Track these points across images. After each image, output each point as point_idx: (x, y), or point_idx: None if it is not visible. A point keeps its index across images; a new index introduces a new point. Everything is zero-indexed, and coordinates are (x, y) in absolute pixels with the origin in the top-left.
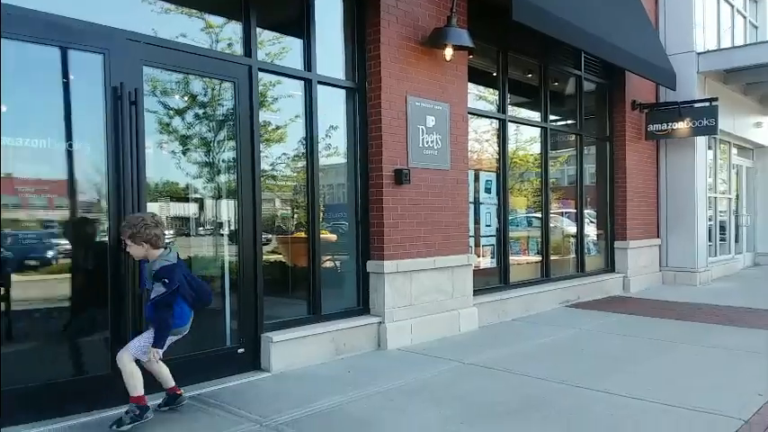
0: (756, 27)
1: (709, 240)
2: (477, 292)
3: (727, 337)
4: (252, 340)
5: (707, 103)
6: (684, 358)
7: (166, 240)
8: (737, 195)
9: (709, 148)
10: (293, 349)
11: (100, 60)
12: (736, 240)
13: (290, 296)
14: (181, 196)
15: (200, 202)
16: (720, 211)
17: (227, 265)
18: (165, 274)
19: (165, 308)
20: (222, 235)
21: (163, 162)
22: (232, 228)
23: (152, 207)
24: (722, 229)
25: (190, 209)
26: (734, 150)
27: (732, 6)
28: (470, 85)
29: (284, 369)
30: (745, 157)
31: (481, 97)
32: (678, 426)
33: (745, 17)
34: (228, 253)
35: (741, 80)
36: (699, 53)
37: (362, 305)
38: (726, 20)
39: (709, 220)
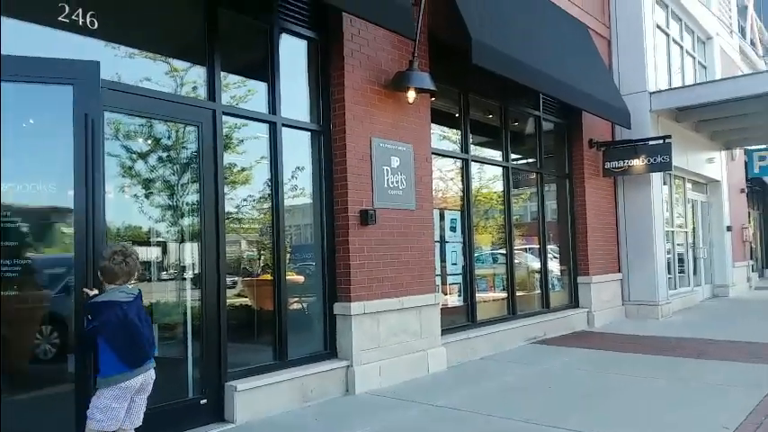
0: (705, 67)
1: (669, 273)
2: (444, 331)
3: (690, 370)
4: (215, 390)
5: (661, 141)
6: (650, 393)
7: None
8: (694, 229)
9: (665, 183)
10: (259, 398)
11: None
12: (695, 273)
13: (256, 341)
14: (143, 240)
15: (163, 245)
16: (678, 244)
17: (189, 311)
18: (87, 309)
19: (86, 347)
20: (185, 279)
21: (124, 206)
22: (195, 272)
23: None
24: (681, 261)
25: (152, 253)
26: (688, 185)
27: (681, 47)
28: (434, 126)
29: (249, 419)
30: (699, 192)
31: (445, 137)
32: None
33: (694, 57)
34: (191, 298)
35: (692, 118)
36: (651, 93)
37: (330, 348)
38: (676, 60)
39: (668, 253)
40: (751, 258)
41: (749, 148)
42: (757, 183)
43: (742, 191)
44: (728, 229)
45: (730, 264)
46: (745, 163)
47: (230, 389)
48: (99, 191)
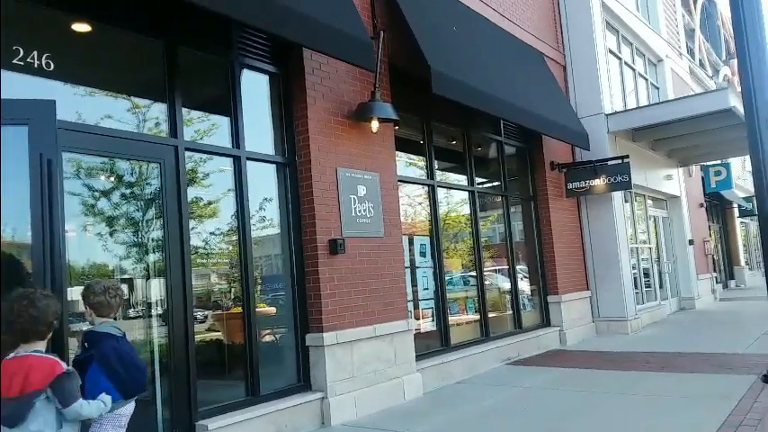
0: (657, 88)
1: (636, 289)
2: (419, 356)
3: (662, 383)
4: (186, 430)
5: (619, 161)
6: (623, 409)
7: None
8: (657, 244)
9: (626, 201)
10: None
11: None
12: (661, 287)
13: (228, 377)
14: (108, 277)
15: (129, 282)
16: (643, 259)
17: (156, 349)
18: (84, 337)
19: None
20: (151, 316)
21: (88, 244)
22: (162, 308)
23: (76, 290)
24: (646, 276)
25: None
26: (649, 202)
27: (634, 70)
28: (399, 153)
29: None
30: (660, 208)
31: (411, 164)
32: None
33: (646, 79)
34: (159, 335)
35: (648, 137)
36: (607, 114)
37: (303, 380)
38: (630, 82)
39: (634, 269)
40: (714, 270)
41: (705, 164)
42: (715, 197)
43: (701, 205)
44: (690, 242)
45: (694, 277)
46: (702, 178)
47: (202, 428)
48: (57, 230)
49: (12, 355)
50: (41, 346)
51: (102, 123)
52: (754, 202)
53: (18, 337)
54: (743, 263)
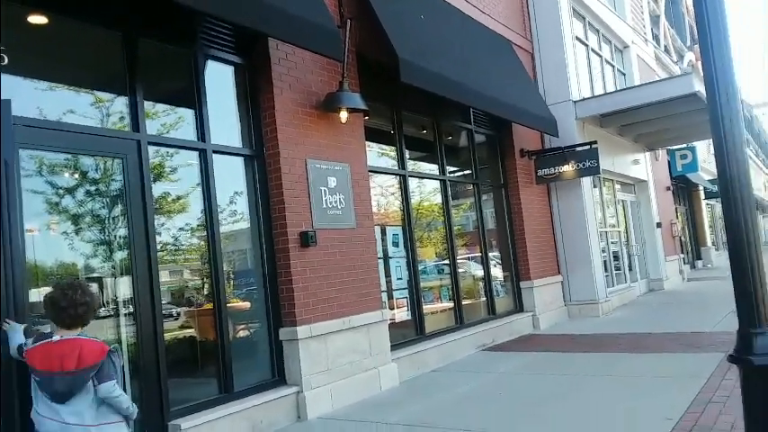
0: (624, 74)
1: (606, 272)
2: (394, 346)
3: (632, 364)
4: (158, 430)
5: (587, 147)
6: (596, 390)
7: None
8: (626, 227)
9: (595, 186)
10: None
11: None
12: (630, 269)
13: (200, 374)
14: (75, 276)
15: (98, 282)
16: (612, 243)
17: (125, 348)
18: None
19: None
20: (119, 315)
21: (53, 243)
22: (131, 307)
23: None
24: (616, 259)
25: None
26: (617, 186)
27: (601, 56)
28: (370, 144)
29: None
30: (628, 192)
31: (382, 154)
32: None
33: (613, 66)
34: (128, 334)
35: (616, 123)
36: (575, 101)
37: (278, 375)
38: (597, 69)
39: (604, 252)
40: (682, 252)
41: (671, 148)
42: (682, 180)
43: (668, 189)
44: (658, 225)
45: (663, 258)
46: (669, 162)
47: (174, 428)
48: (16, 229)
49: (57, 337)
50: (80, 330)
51: (64, 119)
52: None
53: (67, 323)
54: (709, 243)
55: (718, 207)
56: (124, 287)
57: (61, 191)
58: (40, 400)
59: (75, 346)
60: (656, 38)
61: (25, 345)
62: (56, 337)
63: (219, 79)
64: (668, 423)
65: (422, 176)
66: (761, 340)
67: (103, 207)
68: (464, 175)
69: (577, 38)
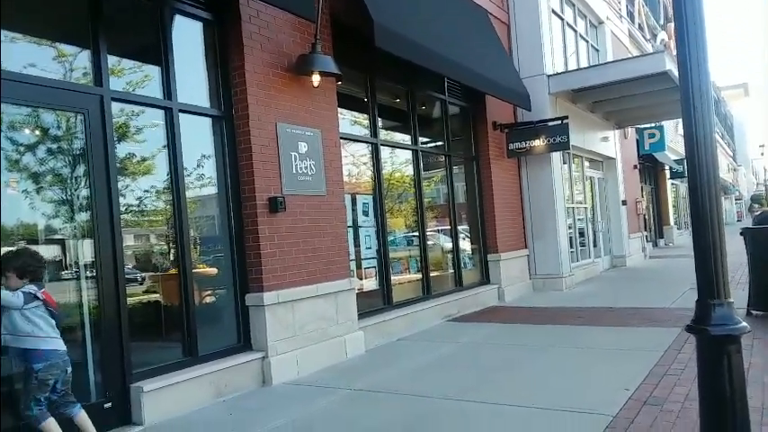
0: (598, 50)
1: (571, 247)
2: (361, 315)
3: (592, 336)
4: (120, 392)
5: (559, 122)
6: (556, 361)
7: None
8: (593, 204)
9: (564, 162)
10: (168, 397)
11: None
12: (595, 245)
13: (164, 338)
14: (34, 239)
15: (61, 243)
16: (579, 219)
17: (87, 311)
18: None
19: None
20: (80, 278)
21: (12, 202)
22: (93, 270)
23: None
24: (581, 235)
25: (47, 252)
26: (586, 163)
27: (575, 32)
28: (342, 111)
29: (159, 420)
30: (596, 170)
31: (355, 122)
32: (555, 428)
33: (587, 41)
34: (90, 297)
35: (588, 99)
36: (549, 75)
37: (243, 341)
38: (571, 44)
39: (570, 228)
40: (645, 230)
41: (639, 126)
42: (648, 159)
43: (635, 167)
44: (624, 203)
45: (626, 236)
46: (637, 141)
47: (137, 390)
48: None
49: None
50: None
51: (25, 71)
52: (685, 164)
53: (39, 276)
54: (672, 223)
55: (683, 187)
56: (86, 249)
57: (21, 147)
58: (52, 327)
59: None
60: (630, 15)
61: (33, 290)
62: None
63: (188, 36)
64: (625, 393)
65: (394, 146)
66: (719, 311)
67: (65, 166)
68: (436, 146)
69: (553, 11)
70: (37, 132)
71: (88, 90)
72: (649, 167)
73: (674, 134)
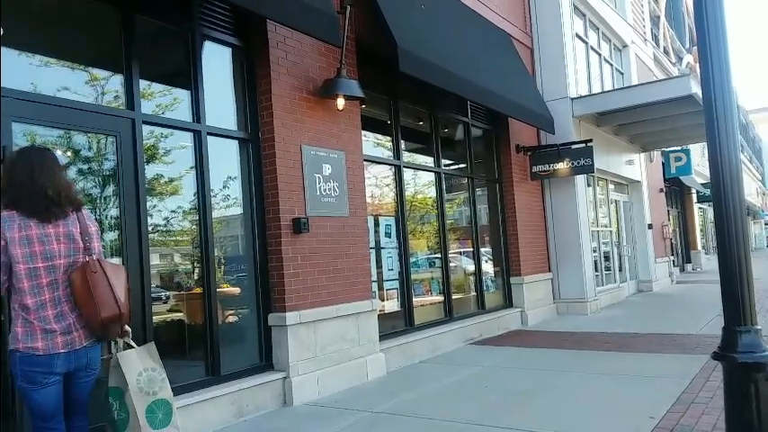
0: (622, 73)
1: (596, 271)
2: (383, 336)
3: (618, 362)
4: None
5: (583, 145)
6: (580, 386)
7: None
8: (618, 228)
9: (589, 185)
10: (191, 416)
11: None
12: (620, 270)
13: (188, 357)
14: None
15: None
16: (603, 242)
17: None
18: None
19: None
20: None
21: None
22: None
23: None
24: (607, 259)
25: None
26: (611, 186)
27: (600, 55)
28: (366, 133)
29: None
30: (621, 192)
31: (378, 144)
32: None
33: (611, 65)
34: None
35: (612, 122)
36: (573, 98)
37: (265, 361)
38: (595, 67)
39: (594, 251)
40: (672, 254)
41: (666, 149)
42: (675, 182)
43: (661, 190)
44: (650, 227)
45: (653, 260)
46: (663, 164)
47: None
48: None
49: None
50: None
51: (59, 95)
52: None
53: None
54: (699, 247)
55: (711, 211)
56: None
57: None
58: None
59: None
60: (655, 38)
61: None
62: None
63: (217, 60)
64: (651, 421)
65: (417, 168)
66: (745, 338)
67: (95, 186)
68: (459, 168)
69: (577, 35)
70: (68, 154)
71: (121, 114)
72: (676, 191)
73: (700, 158)
